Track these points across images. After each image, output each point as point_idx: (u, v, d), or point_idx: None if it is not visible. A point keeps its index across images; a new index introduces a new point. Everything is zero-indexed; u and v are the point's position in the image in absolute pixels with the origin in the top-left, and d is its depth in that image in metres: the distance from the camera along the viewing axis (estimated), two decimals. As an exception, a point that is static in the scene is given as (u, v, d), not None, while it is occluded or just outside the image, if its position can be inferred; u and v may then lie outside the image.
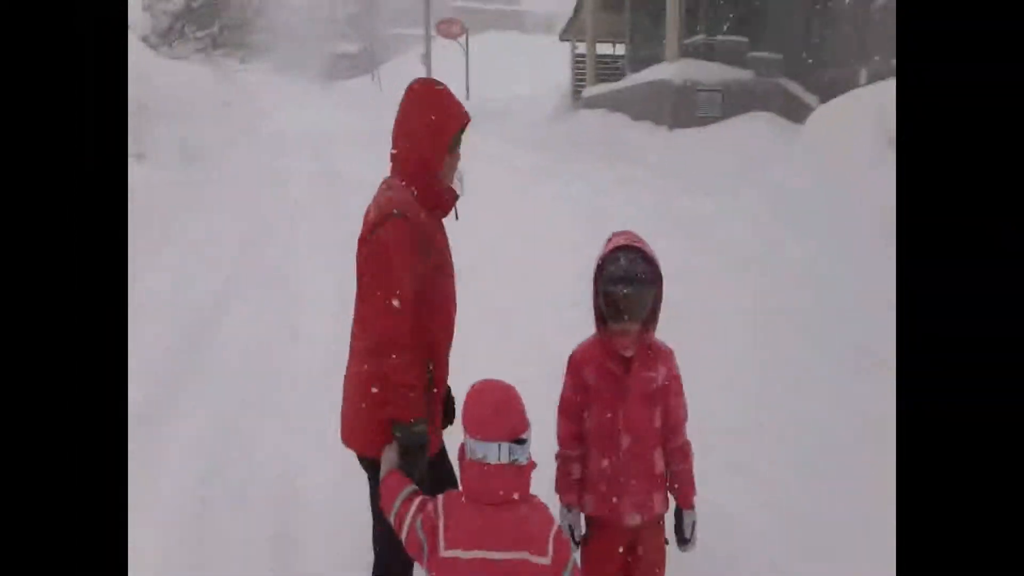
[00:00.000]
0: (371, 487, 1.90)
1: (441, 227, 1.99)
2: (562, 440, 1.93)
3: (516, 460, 1.52)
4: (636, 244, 1.80)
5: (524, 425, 1.56)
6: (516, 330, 4.43)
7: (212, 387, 3.84)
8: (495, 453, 1.51)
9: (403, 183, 1.89)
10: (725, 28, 13.48)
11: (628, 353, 1.82)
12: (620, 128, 13.16)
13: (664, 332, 1.91)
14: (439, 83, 1.98)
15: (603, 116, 14.05)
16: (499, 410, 1.55)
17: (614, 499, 1.82)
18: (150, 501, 2.73)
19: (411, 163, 1.89)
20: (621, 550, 1.86)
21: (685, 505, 1.92)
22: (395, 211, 1.79)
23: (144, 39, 13.63)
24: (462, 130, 1.93)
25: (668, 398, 1.89)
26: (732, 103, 11.97)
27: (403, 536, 1.63)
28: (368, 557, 1.99)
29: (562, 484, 1.93)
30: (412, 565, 1.81)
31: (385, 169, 1.97)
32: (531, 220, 6.64)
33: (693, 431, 1.97)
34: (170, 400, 3.67)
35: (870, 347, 3.68)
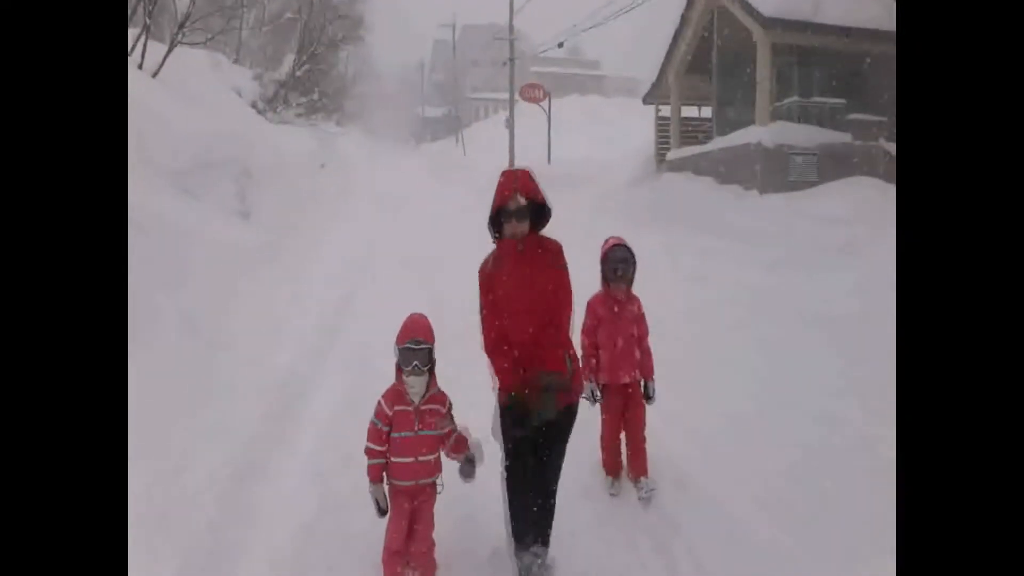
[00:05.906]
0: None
1: (508, 268, 2.84)
2: (584, 347, 3.60)
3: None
4: (623, 242, 3.65)
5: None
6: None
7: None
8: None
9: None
10: (820, 90, 13.03)
11: (620, 297, 3.64)
12: (706, 191, 12.78)
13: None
14: (507, 171, 2.90)
15: (688, 179, 13.73)
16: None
17: (615, 370, 3.60)
18: None
19: None
20: (620, 401, 3.62)
21: (648, 378, 3.67)
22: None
23: (253, 105, 14.69)
24: (503, 209, 2.82)
25: (639, 323, 3.68)
26: (829, 167, 11.42)
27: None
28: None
29: (586, 368, 3.53)
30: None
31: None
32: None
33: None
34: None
35: None
